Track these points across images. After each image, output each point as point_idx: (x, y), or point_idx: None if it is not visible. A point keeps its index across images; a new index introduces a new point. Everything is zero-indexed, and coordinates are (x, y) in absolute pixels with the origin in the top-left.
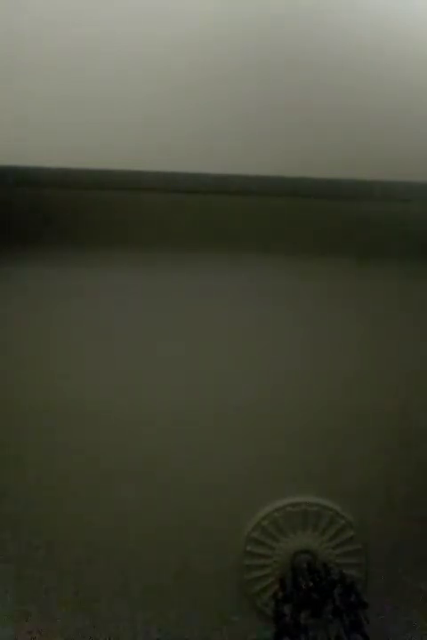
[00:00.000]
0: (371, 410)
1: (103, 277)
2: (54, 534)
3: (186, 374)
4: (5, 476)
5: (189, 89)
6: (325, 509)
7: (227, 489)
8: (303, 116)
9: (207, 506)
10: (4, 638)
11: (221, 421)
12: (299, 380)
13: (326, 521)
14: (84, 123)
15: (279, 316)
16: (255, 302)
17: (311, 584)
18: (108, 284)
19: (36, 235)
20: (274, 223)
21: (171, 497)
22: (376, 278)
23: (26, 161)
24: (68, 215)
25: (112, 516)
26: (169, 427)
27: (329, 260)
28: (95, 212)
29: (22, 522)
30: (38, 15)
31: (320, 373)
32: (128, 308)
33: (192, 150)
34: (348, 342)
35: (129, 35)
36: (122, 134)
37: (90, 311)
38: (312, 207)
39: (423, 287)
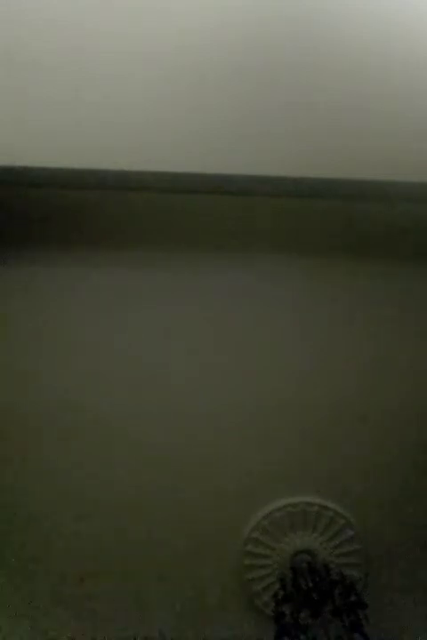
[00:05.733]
0: (371, 410)
1: (103, 277)
2: (54, 534)
3: (186, 374)
4: (4, 475)
5: (189, 89)
6: (325, 509)
7: (227, 489)
8: (304, 116)
9: (207, 506)
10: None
11: (220, 421)
12: (299, 379)
13: (326, 521)
14: (84, 123)
15: (279, 316)
16: (255, 302)
17: (311, 584)
18: (108, 283)
19: (37, 235)
20: (274, 223)
21: (171, 497)
22: (376, 278)
23: (26, 161)
24: (68, 215)
25: (112, 516)
26: (169, 427)
27: (329, 260)
28: (95, 212)
29: (21, 522)
30: (38, 15)
31: (320, 373)
32: (128, 308)
33: (192, 150)
34: (348, 342)
35: (129, 35)
36: (122, 134)
37: (89, 311)
38: (312, 207)
39: (423, 287)
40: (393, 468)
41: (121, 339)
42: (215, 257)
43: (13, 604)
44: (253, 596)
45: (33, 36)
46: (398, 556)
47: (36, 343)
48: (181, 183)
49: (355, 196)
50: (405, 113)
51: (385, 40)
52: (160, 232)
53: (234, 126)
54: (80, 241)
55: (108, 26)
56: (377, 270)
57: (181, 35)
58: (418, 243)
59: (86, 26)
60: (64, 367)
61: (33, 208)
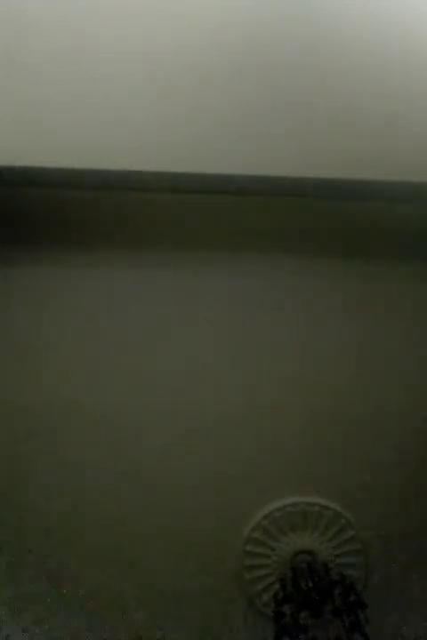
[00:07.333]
0: (371, 410)
1: (103, 277)
2: (54, 534)
3: (185, 374)
4: (4, 475)
5: (189, 89)
6: (325, 509)
7: (227, 489)
8: (303, 116)
9: (207, 506)
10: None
11: (221, 421)
12: (299, 379)
13: (326, 521)
14: (84, 123)
15: (279, 316)
16: (255, 302)
17: (311, 584)
18: (108, 284)
19: (36, 235)
20: (274, 223)
21: (171, 497)
22: (376, 278)
23: (26, 161)
24: (68, 215)
25: (112, 516)
26: (169, 427)
27: (329, 259)
28: (95, 212)
29: (22, 522)
30: (38, 15)
31: (320, 373)
32: (128, 308)
33: (192, 150)
34: (348, 342)
35: (129, 35)
36: (122, 134)
37: (90, 311)
38: (312, 207)
39: (423, 288)
40: (393, 468)
41: (121, 338)
42: (215, 257)
43: (14, 603)
44: (253, 596)
45: (33, 36)
46: (398, 555)
47: (37, 343)
48: (181, 183)
49: (355, 196)
50: (405, 113)
51: (385, 40)
52: (160, 232)
53: (234, 126)
54: (80, 241)
55: (108, 26)
56: (377, 271)
57: (181, 35)
58: (418, 243)
59: (86, 26)
60: (64, 367)
61: (33, 208)
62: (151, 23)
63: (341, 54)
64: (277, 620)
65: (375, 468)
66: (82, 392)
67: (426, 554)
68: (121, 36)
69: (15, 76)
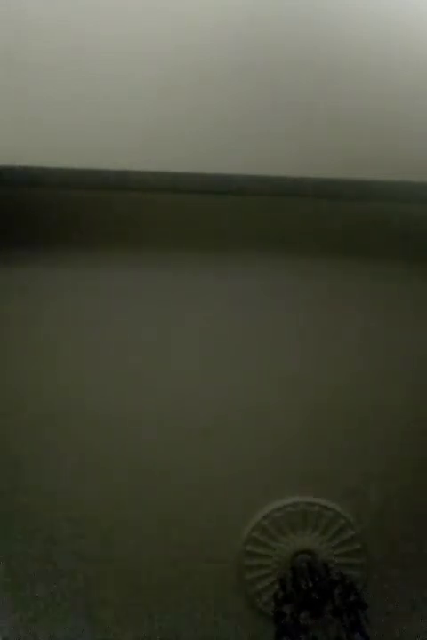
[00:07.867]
0: (371, 410)
1: (103, 277)
2: (55, 534)
3: (185, 374)
4: (4, 475)
5: (189, 89)
6: (325, 509)
7: (227, 489)
8: (303, 115)
9: (207, 506)
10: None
11: (221, 421)
12: (299, 379)
13: (326, 521)
14: (84, 123)
15: (279, 317)
16: (255, 302)
17: (311, 584)
18: (108, 284)
19: (36, 235)
20: (274, 223)
21: (171, 497)
22: (376, 278)
23: (26, 161)
24: (68, 215)
25: (112, 516)
26: (169, 427)
27: (329, 260)
28: (95, 212)
29: (23, 522)
30: (38, 15)
31: (320, 373)
32: (128, 308)
33: (192, 150)
34: (348, 342)
35: (129, 35)
36: (122, 134)
37: (90, 311)
38: (312, 207)
39: (423, 287)
40: (393, 468)
41: (121, 339)
42: (215, 257)
43: (12, 603)
44: (253, 595)
45: (33, 36)
46: (398, 556)
47: (37, 343)
48: (181, 183)
49: (355, 196)
50: (405, 113)
51: (385, 40)
52: (160, 232)
53: (234, 126)
54: (80, 241)
55: (108, 26)
56: (377, 271)
57: (181, 35)
58: (418, 243)
59: (86, 26)
60: (64, 367)
61: (33, 208)
62: (151, 23)
63: (341, 54)
64: (277, 620)
65: (376, 468)
66: (82, 392)
67: (426, 554)
68: (121, 35)
69: (15, 75)
